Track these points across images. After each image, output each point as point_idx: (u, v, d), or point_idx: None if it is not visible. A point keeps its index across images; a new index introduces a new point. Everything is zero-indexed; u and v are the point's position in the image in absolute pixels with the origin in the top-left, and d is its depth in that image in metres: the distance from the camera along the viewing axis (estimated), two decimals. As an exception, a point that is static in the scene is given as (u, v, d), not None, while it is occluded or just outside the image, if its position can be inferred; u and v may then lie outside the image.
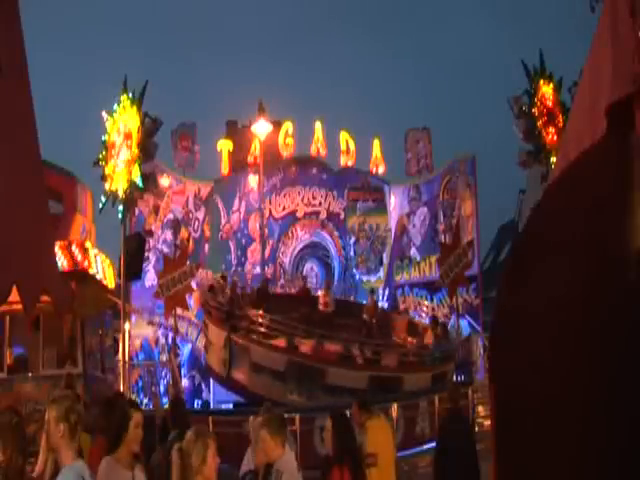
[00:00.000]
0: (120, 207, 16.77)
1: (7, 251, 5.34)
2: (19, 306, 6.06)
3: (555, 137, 17.80)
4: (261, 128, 23.12)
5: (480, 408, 16.54)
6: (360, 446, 6.94)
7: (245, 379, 17.44)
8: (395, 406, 15.57)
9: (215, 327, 18.38)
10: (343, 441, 6.18)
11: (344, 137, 26.09)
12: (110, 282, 15.77)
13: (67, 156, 20.74)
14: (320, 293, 21.08)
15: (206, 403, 20.35)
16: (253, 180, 24.38)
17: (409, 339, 20.13)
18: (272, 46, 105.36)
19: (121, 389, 15.82)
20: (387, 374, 17.71)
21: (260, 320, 17.98)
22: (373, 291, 23.32)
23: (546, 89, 18.45)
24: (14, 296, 5.63)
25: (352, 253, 26.47)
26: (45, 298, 6.06)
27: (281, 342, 17.50)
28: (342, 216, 26.37)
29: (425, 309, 23.86)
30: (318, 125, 25.83)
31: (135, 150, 16.60)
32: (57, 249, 12.36)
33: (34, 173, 6.06)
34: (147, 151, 16.82)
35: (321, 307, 20.17)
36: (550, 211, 2.33)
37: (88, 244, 14.94)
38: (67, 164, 18.92)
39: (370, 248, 26.35)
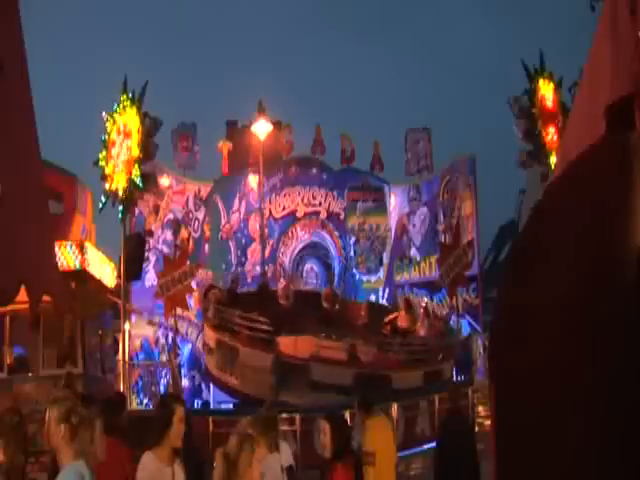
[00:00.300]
0: (120, 207, 16.79)
1: (11, 251, 5.34)
2: (19, 306, 6.06)
3: (555, 137, 17.82)
4: (261, 128, 23.12)
5: (480, 408, 16.52)
6: (359, 445, 6.95)
7: (302, 401, 16.58)
8: (395, 406, 15.57)
9: (254, 350, 17.56)
10: (342, 441, 6.19)
11: (344, 137, 26.08)
12: (110, 282, 15.78)
13: (67, 156, 20.73)
14: (279, 287, 21.00)
15: (206, 403, 20.34)
16: (253, 180, 24.37)
17: (385, 325, 20.17)
18: (272, 46, 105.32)
19: (121, 389, 15.83)
20: (434, 368, 18.29)
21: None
22: (332, 280, 23.40)
23: (546, 89, 18.47)
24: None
25: (352, 253, 26.46)
26: (45, 298, 6.07)
27: (340, 355, 17.38)
28: (342, 216, 26.35)
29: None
30: (318, 125, 25.84)
31: (135, 150, 16.62)
32: (57, 249, 12.35)
33: (34, 173, 6.06)
34: (147, 151, 16.84)
35: (281, 301, 19.99)
36: (550, 211, 2.33)
37: (88, 244, 14.93)
38: (67, 164, 18.92)
39: (370, 248, 26.33)
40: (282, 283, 21.23)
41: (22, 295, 6.44)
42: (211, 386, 20.17)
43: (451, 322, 21.84)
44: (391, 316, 20.44)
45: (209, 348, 19.20)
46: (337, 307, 20.32)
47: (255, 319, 17.93)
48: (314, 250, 26.08)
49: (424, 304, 22.70)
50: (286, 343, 17.51)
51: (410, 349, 18.75)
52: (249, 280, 23.55)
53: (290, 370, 16.94)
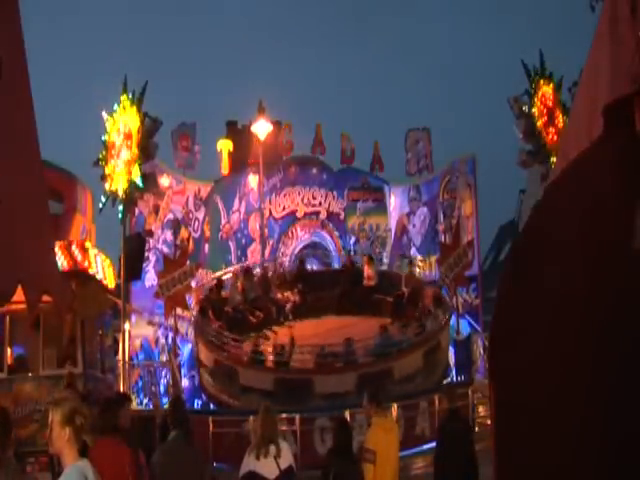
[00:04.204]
0: (120, 207, 16.79)
1: (10, 251, 5.34)
2: (19, 306, 6.06)
3: (555, 137, 17.81)
4: (261, 128, 23.11)
5: (480, 408, 16.50)
6: (360, 443, 6.95)
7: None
8: (395, 406, 15.56)
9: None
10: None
11: (344, 137, 26.07)
12: (110, 282, 15.76)
13: (67, 156, 20.75)
14: (365, 266, 21.21)
15: (206, 403, 20.32)
16: (253, 180, 24.36)
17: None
18: (272, 46, 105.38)
19: (121, 389, 15.82)
20: None
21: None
22: (412, 261, 23.30)
23: (546, 89, 18.47)
24: (15, 296, 5.63)
25: (352, 253, 26.45)
26: (46, 298, 6.06)
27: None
28: (342, 216, 26.34)
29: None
30: (318, 125, 25.81)
31: (135, 150, 16.62)
32: (57, 249, 12.34)
33: (34, 173, 6.06)
34: (147, 151, 16.84)
35: (365, 281, 20.40)
36: (550, 211, 2.33)
37: (88, 244, 14.92)
38: (67, 164, 18.92)
39: (370, 248, 26.32)
40: (366, 263, 21.29)
41: (22, 295, 6.43)
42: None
43: (451, 322, 21.83)
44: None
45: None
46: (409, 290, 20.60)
47: None
48: (314, 250, 26.08)
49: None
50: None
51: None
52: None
53: None
